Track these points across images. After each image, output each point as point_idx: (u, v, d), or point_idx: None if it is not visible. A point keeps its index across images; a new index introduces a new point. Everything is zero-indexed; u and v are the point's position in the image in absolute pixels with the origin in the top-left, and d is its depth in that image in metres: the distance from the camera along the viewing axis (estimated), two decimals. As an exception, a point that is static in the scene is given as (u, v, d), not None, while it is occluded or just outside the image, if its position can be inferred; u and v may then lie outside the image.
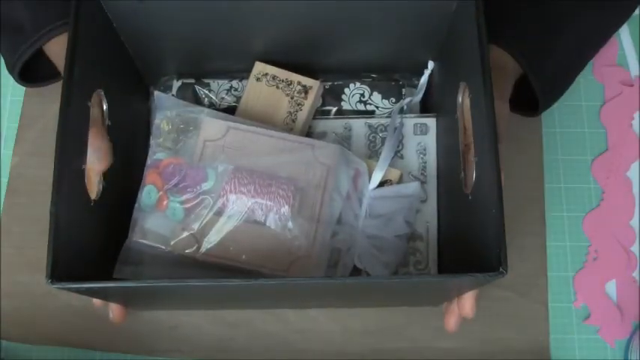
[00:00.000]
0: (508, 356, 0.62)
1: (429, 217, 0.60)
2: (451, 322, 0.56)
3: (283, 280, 0.50)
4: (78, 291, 0.47)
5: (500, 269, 0.42)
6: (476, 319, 0.62)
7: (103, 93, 0.52)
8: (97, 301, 0.55)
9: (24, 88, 0.69)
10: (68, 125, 0.46)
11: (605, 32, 0.66)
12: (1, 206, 0.66)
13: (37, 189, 0.66)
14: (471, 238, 0.50)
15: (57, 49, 0.58)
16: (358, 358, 0.62)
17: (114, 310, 0.55)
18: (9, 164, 0.67)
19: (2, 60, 0.70)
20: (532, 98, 0.61)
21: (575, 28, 0.61)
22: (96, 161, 0.52)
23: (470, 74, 0.49)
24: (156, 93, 0.60)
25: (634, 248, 0.65)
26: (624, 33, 0.72)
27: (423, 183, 0.60)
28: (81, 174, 0.49)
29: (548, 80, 0.60)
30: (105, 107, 0.53)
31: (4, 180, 0.67)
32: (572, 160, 0.68)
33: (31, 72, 0.63)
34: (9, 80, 0.70)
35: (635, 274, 0.65)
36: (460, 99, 0.52)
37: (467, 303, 0.53)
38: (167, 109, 0.58)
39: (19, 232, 0.65)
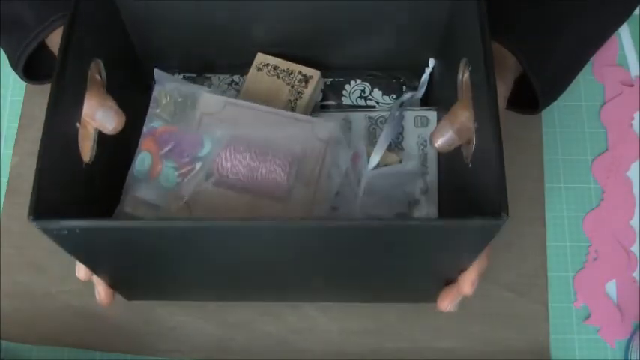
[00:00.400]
0: (508, 356, 0.62)
1: (429, 208, 0.60)
2: (445, 301, 0.54)
3: (281, 222, 0.46)
4: (59, 235, 0.44)
5: (502, 214, 0.41)
6: (476, 319, 0.63)
7: (102, 64, 0.52)
8: (82, 273, 0.53)
9: (24, 87, 0.69)
10: (63, 84, 0.46)
11: (605, 31, 0.65)
12: (1, 206, 0.66)
13: (37, 189, 0.66)
14: (471, 208, 0.48)
15: (59, 40, 0.58)
16: (358, 358, 0.62)
17: (100, 290, 0.54)
18: (9, 164, 0.67)
19: (2, 60, 0.70)
20: (532, 97, 0.61)
21: (575, 29, 0.61)
22: (107, 121, 0.52)
23: (470, 52, 0.49)
24: (156, 70, 0.60)
25: (634, 248, 0.65)
26: (624, 33, 0.72)
27: (424, 174, 0.60)
28: (74, 135, 0.48)
29: (549, 80, 0.60)
30: (104, 78, 0.53)
31: (4, 180, 0.67)
32: (572, 160, 0.68)
33: (34, 69, 0.63)
34: (9, 80, 0.70)
35: (635, 274, 0.65)
36: (460, 75, 0.52)
37: (467, 278, 0.52)
38: (166, 83, 0.58)
39: (19, 232, 0.65)
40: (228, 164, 0.54)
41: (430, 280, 0.56)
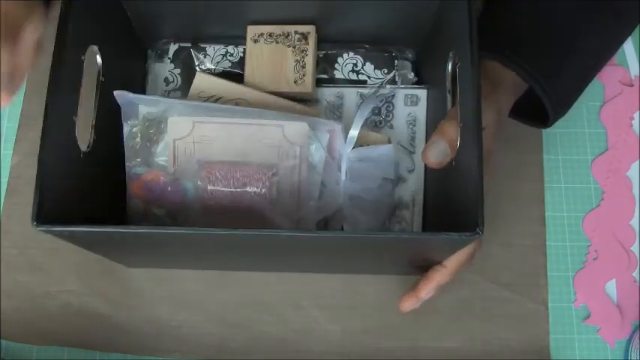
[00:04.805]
0: (508, 356, 0.62)
1: (415, 186, 0.61)
2: (405, 304, 0.59)
3: (265, 231, 0.48)
4: (62, 235, 0.47)
5: (477, 230, 0.43)
6: (476, 319, 0.63)
7: (97, 48, 0.53)
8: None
9: (24, 87, 0.69)
10: (60, 76, 0.47)
11: (616, 45, 0.64)
12: (1, 206, 0.66)
13: (37, 189, 0.66)
14: (454, 203, 0.50)
15: None
16: (358, 358, 0.62)
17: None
18: (9, 164, 0.67)
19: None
20: (540, 107, 0.60)
21: (586, 46, 0.60)
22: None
23: (459, 44, 0.50)
24: (118, 93, 0.56)
25: (634, 248, 0.65)
26: (624, 33, 0.72)
27: (411, 153, 0.62)
28: (71, 126, 0.49)
29: (560, 99, 0.59)
30: (99, 62, 0.53)
31: (4, 180, 0.67)
32: (572, 160, 0.68)
33: None
34: (9, 80, 0.70)
35: (635, 274, 0.65)
36: (450, 68, 0.53)
37: (425, 286, 0.57)
38: (134, 118, 0.57)
39: (19, 232, 0.65)
40: (213, 195, 0.56)
41: (407, 267, 0.60)
